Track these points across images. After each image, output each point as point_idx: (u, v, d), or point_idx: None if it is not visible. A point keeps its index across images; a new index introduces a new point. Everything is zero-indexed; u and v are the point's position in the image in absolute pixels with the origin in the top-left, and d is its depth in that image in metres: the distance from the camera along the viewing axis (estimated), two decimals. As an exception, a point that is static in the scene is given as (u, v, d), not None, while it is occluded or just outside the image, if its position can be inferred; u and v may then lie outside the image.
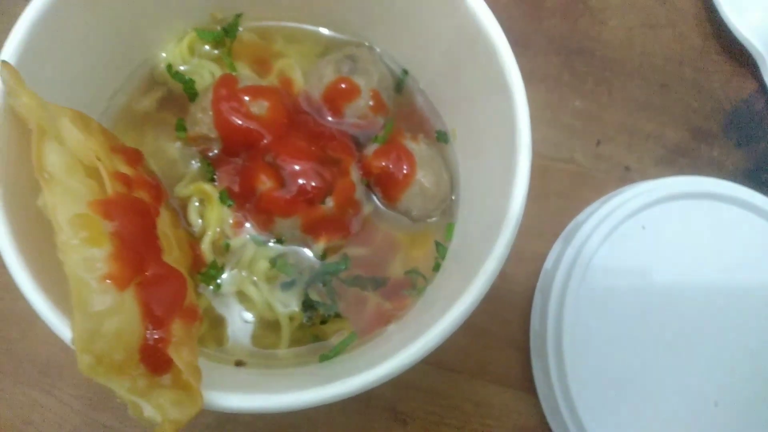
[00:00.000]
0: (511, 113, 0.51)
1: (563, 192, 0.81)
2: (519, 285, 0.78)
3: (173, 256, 0.51)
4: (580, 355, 0.70)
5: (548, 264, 0.77)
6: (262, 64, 0.67)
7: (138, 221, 0.45)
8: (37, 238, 0.44)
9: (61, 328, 0.42)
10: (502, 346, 0.76)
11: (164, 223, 0.53)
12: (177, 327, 0.43)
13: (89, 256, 0.40)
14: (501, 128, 0.53)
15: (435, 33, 0.59)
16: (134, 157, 0.55)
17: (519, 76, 0.51)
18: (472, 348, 0.75)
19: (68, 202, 0.41)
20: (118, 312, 0.40)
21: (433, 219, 0.65)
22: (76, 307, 0.38)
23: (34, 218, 0.43)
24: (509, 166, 0.51)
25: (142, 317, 0.42)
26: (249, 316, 0.60)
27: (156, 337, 0.40)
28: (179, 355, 0.42)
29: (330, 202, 0.60)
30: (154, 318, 0.42)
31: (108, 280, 0.40)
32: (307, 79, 0.66)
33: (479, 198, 0.59)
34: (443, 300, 0.51)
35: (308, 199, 0.59)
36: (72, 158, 0.44)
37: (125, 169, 0.51)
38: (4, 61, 0.45)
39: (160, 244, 0.47)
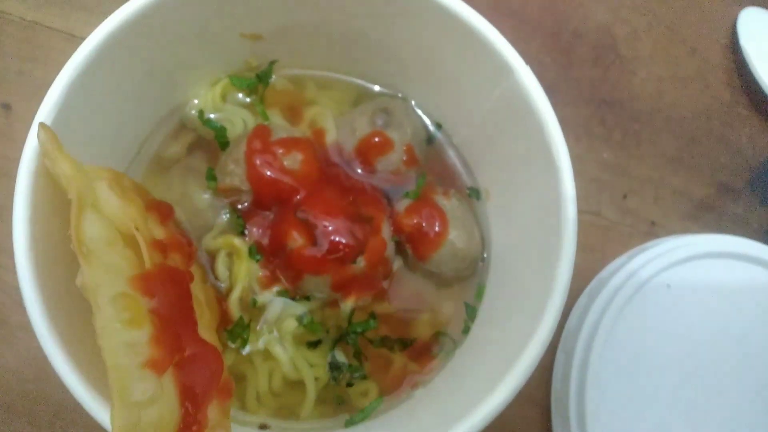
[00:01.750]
0: (556, 193, 0.50)
1: (588, 246, 0.80)
2: (541, 340, 0.76)
3: (204, 320, 0.50)
4: (603, 419, 0.69)
5: (571, 322, 0.76)
6: (293, 112, 0.66)
7: (175, 293, 0.44)
8: (73, 316, 0.42)
9: (100, 413, 0.41)
10: (522, 403, 0.75)
11: (196, 284, 0.51)
12: (213, 409, 0.42)
13: (130, 340, 0.38)
14: (543, 202, 0.52)
15: (476, 96, 0.58)
16: (166, 212, 0.54)
17: (567, 155, 0.50)
18: (492, 403, 0.74)
19: (109, 279, 0.40)
20: (159, 399, 0.38)
21: (463, 278, 0.64)
22: (117, 396, 0.37)
23: (68, 295, 0.41)
24: (552, 247, 0.50)
25: (180, 400, 0.40)
26: (274, 374, 0.59)
27: (194, 428, 0.39)
28: (215, 440, 0.41)
29: (362, 262, 0.58)
30: (192, 399, 0.41)
31: (149, 366, 0.38)
32: (339, 129, 0.65)
33: (515, 267, 0.58)
34: (478, 381, 0.50)
35: (340, 258, 0.58)
36: (111, 229, 0.42)
37: (159, 231, 0.49)
38: (41, 123, 0.44)
39: (195, 314, 0.46)
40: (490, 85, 0.55)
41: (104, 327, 0.38)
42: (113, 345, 0.38)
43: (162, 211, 0.53)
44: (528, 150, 0.53)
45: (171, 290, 0.44)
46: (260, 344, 0.58)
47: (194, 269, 0.54)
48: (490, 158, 0.62)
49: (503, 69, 0.52)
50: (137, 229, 0.44)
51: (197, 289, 0.51)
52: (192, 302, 0.46)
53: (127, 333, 0.38)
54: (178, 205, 0.61)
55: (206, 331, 0.48)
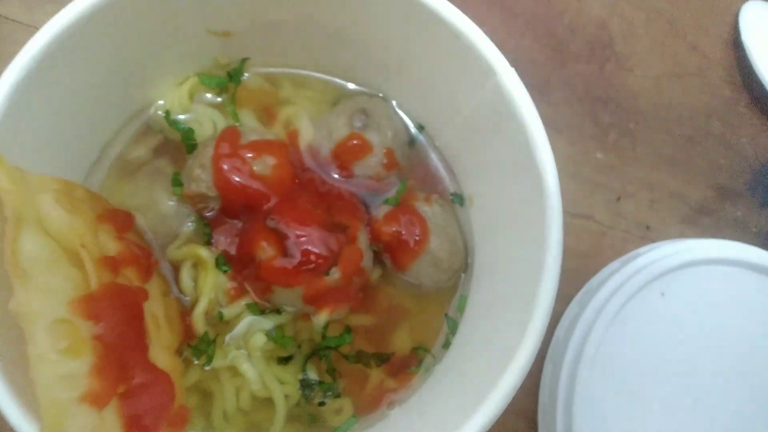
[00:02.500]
0: (540, 201, 0.46)
1: (580, 251, 0.76)
2: (529, 350, 0.73)
3: (162, 339, 0.47)
4: (592, 433, 0.66)
5: (560, 331, 0.73)
6: (267, 112, 0.63)
7: (124, 315, 0.41)
8: (12, 341, 0.39)
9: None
10: (508, 416, 0.71)
11: (153, 300, 0.48)
12: (163, 440, 0.39)
13: (68, 372, 0.35)
14: (527, 212, 0.49)
15: (459, 97, 0.54)
16: (124, 222, 0.51)
17: (552, 161, 0.46)
18: (477, 415, 0.71)
19: (47, 304, 0.36)
20: (97, 436, 0.35)
21: (445, 290, 0.60)
22: (48, 434, 0.34)
23: (6, 318, 0.38)
24: (535, 260, 0.46)
25: (124, 433, 0.37)
26: (242, 391, 0.56)
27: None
28: (163, 477, 0.38)
29: (336, 273, 0.55)
30: (139, 431, 0.38)
31: (88, 400, 0.35)
32: (316, 131, 0.61)
33: (498, 280, 0.55)
34: (454, 405, 0.47)
35: (312, 269, 0.54)
36: (53, 247, 0.39)
37: (112, 245, 0.46)
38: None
39: (148, 336, 0.43)
40: (473, 86, 0.51)
41: (38, 357, 0.35)
42: (47, 378, 0.34)
43: (119, 221, 0.49)
44: (511, 154, 0.50)
45: (119, 312, 0.40)
46: (227, 360, 0.55)
47: (155, 282, 0.51)
48: (473, 162, 0.59)
49: (486, 70, 0.49)
50: (83, 246, 0.41)
51: (155, 306, 0.48)
52: (144, 324, 0.43)
53: (63, 364, 0.35)
54: (143, 213, 0.57)
55: (162, 352, 0.45)
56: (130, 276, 0.46)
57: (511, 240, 0.53)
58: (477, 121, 0.54)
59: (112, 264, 0.43)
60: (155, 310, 0.48)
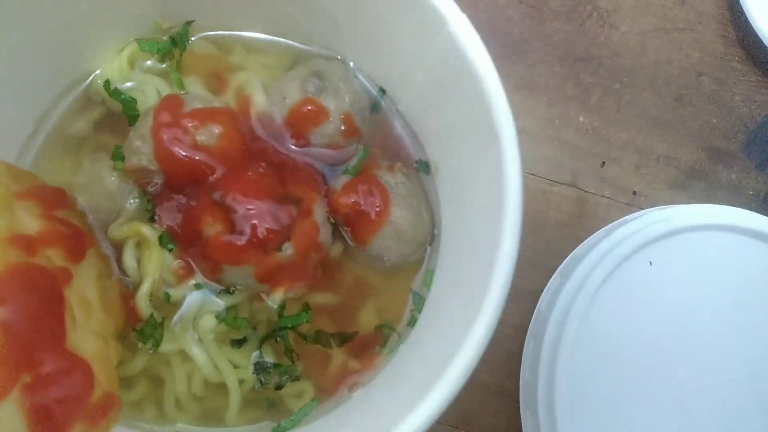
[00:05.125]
0: (497, 161, 0.42)
1: (562, 220, 0.72)
2: (510, 325, 0.70)
3: (92, 323, 0.43)
4: (575, 412, 0.62)
5: (542, 304, 0.69)
6: (217, 79, 0.58)
7: (37, 298, 0.37)
8: None
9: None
10: (489, 394, 0.68)
11: (84, 282, 0.45)
12: (78, 434, 0.35)
13: (-44, 361, 0.31)
14: (486, 174, 0.45)
15: (415, 54, 0.50)
16: (52, 200, 0.47)
17: (510, 120, 0.42)
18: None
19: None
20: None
21: (411, 264, 0.57)
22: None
23: None
24: (495, 223, 0.42)
25: (29, 427, 0.34)
26: (194, 376, 0.52)
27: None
28: (76, 473, 0.34)
29: (288, 249, 0.51)
30: (47, 424, 0.34)
31: (-22, 392, 0.32)
32: (269, 98, 0.57)
33: (462, 251, 0.51)
34: (414, 383, 0.43)
35: (262, 245, 0.50)
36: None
37: (34, 223, 0.42)
38: None
39: (71, 321, 0.39)
40: (427, 39, 0.47)
41: None
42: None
43: (46, 198, 0.46)
44: (469, 113, 0.46)
45: (29, 295, 0.37)
46: (174, 344, 0.51)
47: (89, 263, 0.47)
48: (435, 125, 0.54)
49: (437, 20, 0.45)
50: (-12, 223, 0.37)
51: (86, 288, 0.44)
52: (62, 307, 0.39)
53: (-48, 353, 0.32)
54: (85, 190, 0.54)
55: (90, 337, 0.42)
56: (52, 256, 0.42)
57: (474, 208, 0.49)
58: (435, 78, 0.50)
59: (26, 243, 0.39)
60: (86, 293, 0.44)
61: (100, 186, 0.54)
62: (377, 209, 0.54)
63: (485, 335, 0.40)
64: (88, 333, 0.42)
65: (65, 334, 0.38)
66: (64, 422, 0.35)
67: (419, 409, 0.39)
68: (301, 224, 0.52)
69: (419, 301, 0.55)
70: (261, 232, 0.50)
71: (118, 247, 0.53)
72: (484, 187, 0.45)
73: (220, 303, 0.53)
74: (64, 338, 0.38)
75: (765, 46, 0.76)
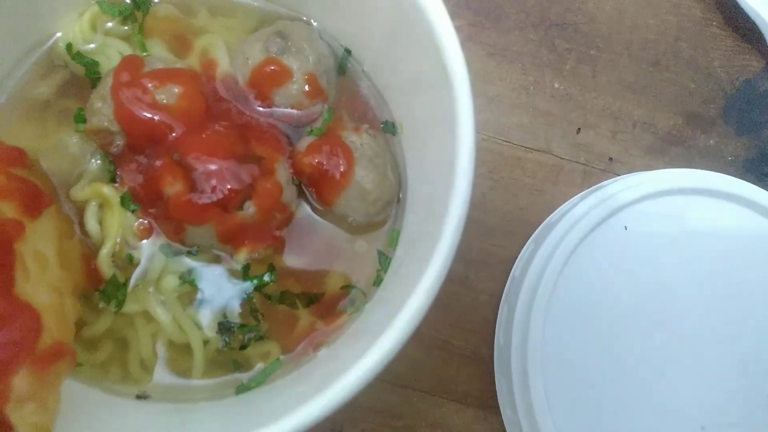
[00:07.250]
0: (452, 111, 0.42)
1: (537, 186, 0.72)
2: (484, 292, 0.69)
3: (47, 277, 0.43)
4: (548, 375, 0.62)
5: (516, 270, 0.69)
6: (181, 42, 0.58)
7: (-19, 246, 0.37)
8: None
9: None
10: (464, 361, 0.68)
11: (40, 238, 0.44)
12: (22, 378, 0.35)
13: None
14: (443, 126, 0.44)
15: (375, 12, 0.50)
16: (10, 158, 0.47)
17: (462, 62, 0.41)
18: (430, 362, 0.67)
19: None
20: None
21: (377, 224, 0.56)
22: None
23: None
24: (449, 173, 0.42)
25: (-31, 371, 0.34)
26: (158, 337, 0.52)
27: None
28: (20, 416, 0.34)
29: (250, 208, 0.51)
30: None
31: None
32: (233, 60, 0.57)
33: (420, 205, 0.50)
34: (370, 337, 0.43)
35: (222, 204, 0.50)
36: None
37: (-15, 178, 0.42)
38: None
39: (17, 272, 0.39)
40: (385, -5, 0.47)
41: None
42: None
43: (3, 156, 0.46)
44: (424, 63, 0.45)
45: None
46: (137, 305, 0.51)
47: (48, 222, 0.47)
48: (395, 82, 0.54)
49: (390, -30, 0.44)
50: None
51: (42, 244, 0.44)
52: (12, 258, 0.39)
53: None
54: (49, 154, 0.54)
55: (43, 290, 0.42)
56: (5, 209, 0.42)
57: (432, 161, 0.48)
58: (394, 37, 0.50)
59: (-26, 196, 0.39)
60: (42, 249, 0.44)
61: (63, 148, 0.54)
62: (341, 170, 0.54)
63: (433, 285, 0.39)
64: (42, 285, 0.42)
65: (13, 282, 0.38)
66: (8, 364, 0.35)
67: (366, 357, 0.38)
68: (263, 183, 0.52)
69: (385, 261, 0.55)
70: (221, 190, 0.50)
71: (81, 209, 0.53)
72: (440, 139, 0.45)
73: (182, 264, 0.53)
74: (12, 286, 0.38)
75: (743, 10, 0.75)
